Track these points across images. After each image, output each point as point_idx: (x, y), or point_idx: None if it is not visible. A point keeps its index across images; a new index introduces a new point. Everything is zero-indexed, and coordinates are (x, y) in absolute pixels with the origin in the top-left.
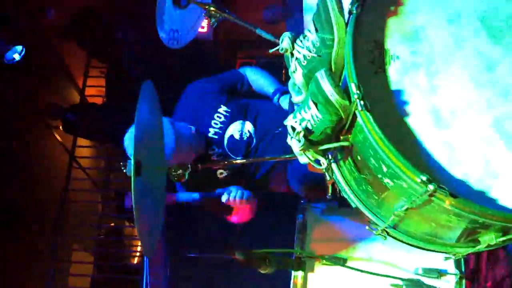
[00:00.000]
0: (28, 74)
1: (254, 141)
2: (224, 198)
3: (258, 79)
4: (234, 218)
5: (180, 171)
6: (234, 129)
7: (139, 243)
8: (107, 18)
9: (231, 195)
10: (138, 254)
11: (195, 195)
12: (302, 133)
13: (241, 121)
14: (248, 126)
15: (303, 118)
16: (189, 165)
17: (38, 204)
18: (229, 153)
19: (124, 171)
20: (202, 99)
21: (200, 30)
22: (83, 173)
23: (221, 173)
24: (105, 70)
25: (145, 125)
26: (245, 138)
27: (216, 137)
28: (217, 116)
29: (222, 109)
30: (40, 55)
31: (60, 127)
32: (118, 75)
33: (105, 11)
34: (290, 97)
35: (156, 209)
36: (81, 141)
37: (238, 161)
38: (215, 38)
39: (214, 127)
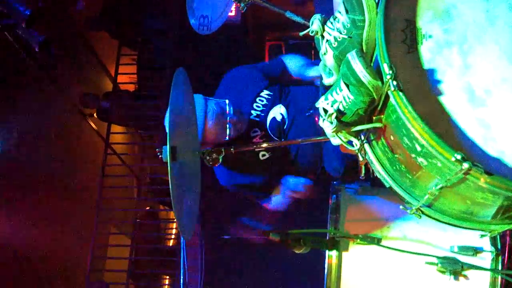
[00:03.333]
0: (61, 64)
1: (287, 123)
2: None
3: (295, 64)
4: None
5: (214, 155)
6: (276, 112)
7: (174, 226)
8: (136, 8)
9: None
10: (173, 236)
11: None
12: (334, 115)
13: (280, 105)
14: (282, 110)
15: (335, 100)
16: (223, 149)
17: (76, 191)
18: (271, 134)
19: (160, 156)
20: (245, 82)
21: (235, 13)
22: (118, 159)
23: (263, 155)
24: (136, 57)
25: (180, 111)
26: (282, 119)
27: (258, 119)
28: (259, 99)
29: (265, 92)
30: (73, 46)
31: (95, 115)
32: (149, 62)
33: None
34: (322, 79)
35: (192, 192)
36: (116, 128)
37: (264, 146)
38: (244, 21)
39: (256, 110)
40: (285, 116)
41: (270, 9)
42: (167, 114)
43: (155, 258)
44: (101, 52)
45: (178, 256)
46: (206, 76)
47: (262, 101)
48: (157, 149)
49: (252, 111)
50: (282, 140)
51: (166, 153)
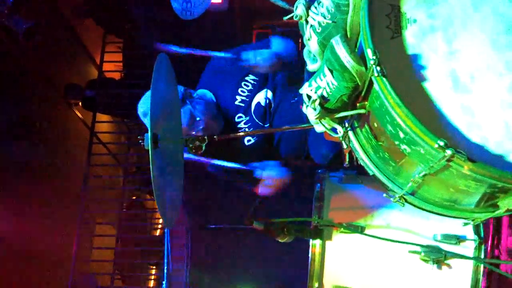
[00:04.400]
0: (46, 52)
1: (273, 107)
2: (265, 176)
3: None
4: (261, 190)
5: (197, 143)
6: (261, 97)
7: None
8: None
9: (271, 174)
10: (160, 226)
11: (231, 164)
12: (317, 101)
13: (266, 89)
14: (269, 94)
15: (319, 86)
16: (206, 137)
17: (62, 180)
18: (256, 120)
19: (142, 144)
20: (228, 68)
21: (215, 0)
22: (104, 148)
23: (248, 140)
24: (122, 45)
25: (161, 98)
26: (268, 103)
27: (242, 104)
28: (244, 84)
29: (250, 77)
30: (57, 33)
31: (80, 103)
32: (135, 50)
33: None
34: (306, 64)
35: (175, 181)
36: (101, 117)
37: (250, 132)
38: (230, 8)
39: (241, 95)
40: (272, 100)
41: None
42: (141, 102)
43: (142, 248)
44: (87, 40)
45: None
46: (192, 64)
47: (248, 86)
48: (139, 137)
49: (237, 97)
50: (267, 125)
51: (148, 141)
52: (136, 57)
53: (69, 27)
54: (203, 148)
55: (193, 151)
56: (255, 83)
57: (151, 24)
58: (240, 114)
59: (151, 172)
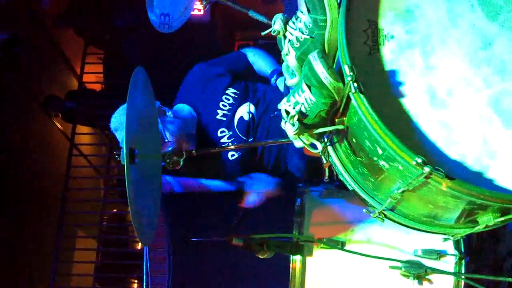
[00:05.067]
0: (26, 63)
1: (256, 121)
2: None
3: (258, 60)
4: (247, 203)
5: (175, 158)
6: (243, 111)
7: None
8: (104, 4)
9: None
10: None
11: (219, 185)
12: (296, 117)
13: (249, 103)
14: (251, 108)
15: (297, 101)
16: (184, 152)
17: (41, 192)
18: (240, 135)
19: (119, 159)
20: (209, 81)
21: (197, 12)
22: (84, 160)
23: (232, 155)
24: (103, 56)
25: (138, 112)
26: (251, 118)
27: (224, 119)
28: (226, 98)
29: (231, 91)
30: (37, 43)
31: (60, 115)
32: (115, 61)
33: None
34: (285, 79)
35: (153, 197)
36: (81, 129)
37: (231, 147)
38: (212, 20)
39: (222, 109)
40: (254, 114)
41: (233, 7)
42: (114, 116)
43: (123, 262)
44: (68, 51)
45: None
46: (173, 77)
47: (229, 99)
48: (115, 152)
49: (219, 111)
50: (251, 139)
51: (123, 155)
52: (116, 68)
53: (50, 38)
54: (181, 163)
55: (171, 166)
56: (236, 96)
57: (133, 35)
58: (222, 129)
59: (127, 189)
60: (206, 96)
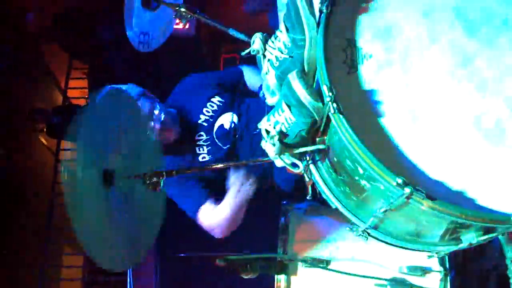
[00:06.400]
0: (10, 77)
1: (237, 132)
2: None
3: (253, 77)
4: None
5: (154, 179)
6: (225, 120)
7: None
8: (89, 19)
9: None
10: None
11: None
12: (276, 137)
13: (232, 113)
14: (235, 118)
15: (277, 121)
16: (164, 172)
17: (26, 209)
18: (216, 141)
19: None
20: (198, 88)
21: (181, 26)
22: None
23: (203, 157)
24: (88, 71)
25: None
26: (232, 128)
27: (205, 124)
28: (210, 105)
29: (216, 99)
30: (22, 58)
31: (45, 130)
32: (100, 76)
33: (86, 11)
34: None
35: (135, 219)
36: (67, 144)
37: (214, 167)
38: (198, 34)
39: (205, 114)
40: (237, 125)
41: (212, 25)
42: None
43: (110, 278)
44: (52, 65)
45: (135, 275)
46: (158, 91)
47: (213, 106)
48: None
49: (201, 116)
50: (227, 146)
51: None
52: (101, 83)
53: (34, 52)
54: (161, 184)
55: (151, 187)
56: (220, 104)
57: (119, 49)
58: (201, 133)
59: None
60: (192, 101)
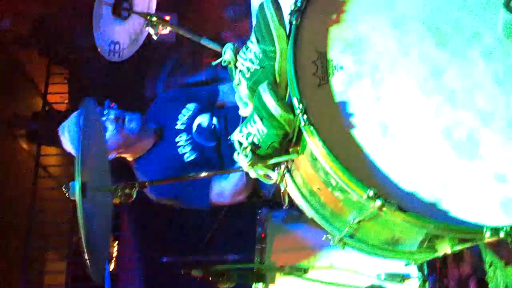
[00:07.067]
0: None
1: (218, 133)
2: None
3: (231, 95)
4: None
5: (127, 191)
6: (202, 120)
7: (115, 250)
8: (68, 25)
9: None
10: (113, 260)
11: None
12: (248, 148)
13: (209, 114)
14: (214, 120)
15: (249, 132)
16: (136, 184)
17: (7, 217)
18: (198, 139)
19: (67, 195)
20: (172, 100)
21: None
22: (52, 181)
23: (188, 157)
24: (67, 76)
25: (90, 144)
26: (212, 126)
27: (183, 127)
28: (185, 110)
29: (191, 105)
30: (0, 65)
31: (25, 135)
32: (80, 81)
33: (66, 17)
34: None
35: (103, 232)
36: (48, 150)
37: (191, 177)
38: (178, 39)
39: (180, 119)
40: (216, 125)
41: (185, 35)
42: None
43: (94, 284)
44: (31, 70)
45: (119, 280)
46: (138, 96)
47: (188, 111)
48: (64, 187)
49: (177, 122)
50: (210, 144)
51: (74, 190)
52: (81, 88)
53: (13, 58)
54: (134, 195)
55: (123, 198)
56: (195, 108)
57: (98, 54)
58: (181, 134)
59: (80, 227)
60: (167, 112)
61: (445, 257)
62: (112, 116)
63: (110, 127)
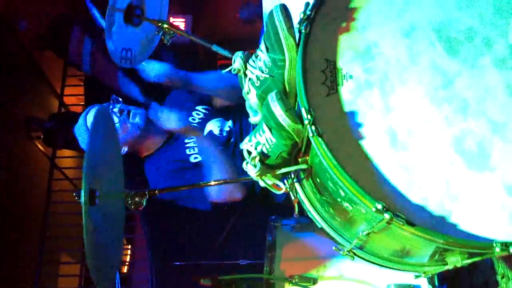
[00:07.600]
0: (5, 84)
1: (233, 137)
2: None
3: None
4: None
5: (137, 199)
6: (213, 126)
7: (129, 253)
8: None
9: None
10: (127, 263)
11: None
12: (257, 158)
13: (221, 119)
14: (229, 123)
15: (258, 141)
16: (146, 192)
17: (21, 218)
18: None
19: (78, 200)
20: (183, 100)
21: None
22: (67, 184)
23: (195, 157)
24: (84, 78)
25: (100, 150)
26: (224, 134)
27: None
28: (196, 113)
29: (201, 107)
30: (17, 65)
31: (41, 137)
32: (96, 83)
33: (80, 18)
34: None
35: (114, 239)
36: (64, 152)
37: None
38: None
39: (191, 123)
40: (232, 130)
41: (196, 42)
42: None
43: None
44: (48, 73)
45: (131, 283)
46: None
47: (199, 114)
48: (74, 193)
49: (190, 122)
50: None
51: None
52: (97, 89)
53: (30, 59)
54: (144, 204)
55: (133, 207)
56: (206, 112)
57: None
58: (191, 137)
59: (84, 232)
60: (181, 110)
61: (456, 268)
62: (116, 109)
63: (114, 120)
